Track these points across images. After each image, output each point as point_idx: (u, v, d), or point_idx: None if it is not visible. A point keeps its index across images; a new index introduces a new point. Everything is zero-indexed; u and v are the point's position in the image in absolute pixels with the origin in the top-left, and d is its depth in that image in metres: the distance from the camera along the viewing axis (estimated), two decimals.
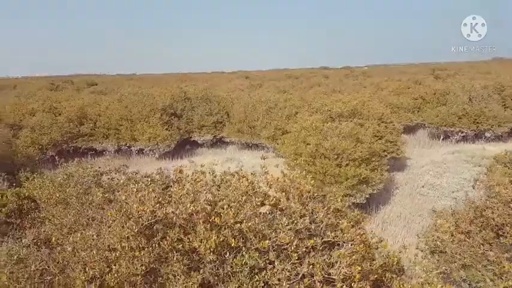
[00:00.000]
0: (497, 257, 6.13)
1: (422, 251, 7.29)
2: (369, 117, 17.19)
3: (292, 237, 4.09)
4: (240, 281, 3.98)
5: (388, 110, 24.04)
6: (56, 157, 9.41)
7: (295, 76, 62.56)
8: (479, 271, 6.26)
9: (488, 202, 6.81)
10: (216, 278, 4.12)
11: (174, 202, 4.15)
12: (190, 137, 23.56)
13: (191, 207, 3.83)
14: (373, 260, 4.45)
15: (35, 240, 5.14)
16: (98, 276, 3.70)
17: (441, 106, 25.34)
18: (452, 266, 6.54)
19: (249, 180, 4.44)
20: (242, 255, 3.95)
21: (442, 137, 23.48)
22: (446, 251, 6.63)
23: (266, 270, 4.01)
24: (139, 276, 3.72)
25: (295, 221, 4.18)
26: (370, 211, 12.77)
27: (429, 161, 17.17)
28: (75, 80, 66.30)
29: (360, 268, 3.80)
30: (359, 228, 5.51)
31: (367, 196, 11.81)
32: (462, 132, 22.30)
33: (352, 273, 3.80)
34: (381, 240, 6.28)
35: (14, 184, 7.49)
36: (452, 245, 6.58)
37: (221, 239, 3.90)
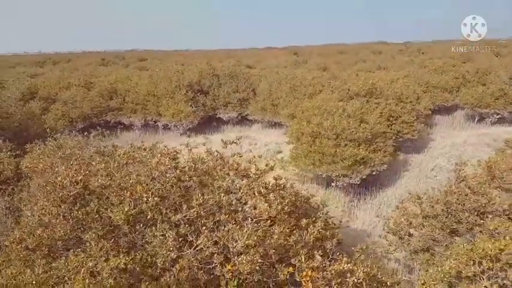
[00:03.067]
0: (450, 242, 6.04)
1: (388, 232, 7.30)
2: (388, 96, 16.66)
3: (202, 212, 4.39)
4: (154, 250, 4.36)
5: (419, 89, 23.04)
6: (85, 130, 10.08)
7: (346, 51, 60.47)
8: (434, 256, 6.20)
9: (453, 187, 6.63)
10: (141, 246, 4.53)
11: (101, 175, 4.58)
12: (216, 114, 24.08)
13: (99, 180, 4.23)
14: (290, 236, 4.62)
15: (8, 206, 5.82)
16: (26, 238, 4.25)
17: (481, 86, 23.74)
18: (407, 248, 6.52)
19: (170, 158, 4.75)
20: (154, 227, 4.31)
21: (476, 119, 22.13)
22: (401, 233, 6.61)
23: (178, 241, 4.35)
24: (60, 241, 4.22)
25: (206, 197, 4.44)
26: (372, 192, 12.66)
27: (451, 143, 16.42)
28: (127, 55, 68.44)
29: (250, 242, 4.02)
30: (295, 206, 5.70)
31: (363, 177, 11.68)
32: (498, 114, 20.86)
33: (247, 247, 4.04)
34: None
35: (15, 154, 8.34)
36: (408, 228, 6.54)
37: (134, 211, 4.28)
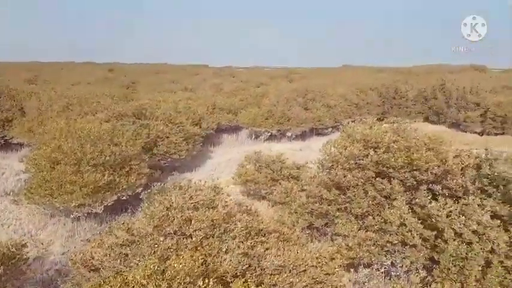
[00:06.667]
0: None
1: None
2: (158, 117, 16.42)
3: None
4: None
5: (204, 110, 23.97)
6: None
7: (165, 71, 59.22)
8: None
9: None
10: None
11: None
12: None
13: None
14: None
15: None
16: None
17: (257, 108, 26.46)
18: None
19: None
20: None
21: (253, 136, 24.39)
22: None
23: None
24: None
25: None
26: (133, 216, 11.88)
27: (221, 160, 17.30)
28: None
29: None
30: None
31: (109, 204, 10.74)
32: (269, 132, 23.46)
33: None
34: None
35: None
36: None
37: None
